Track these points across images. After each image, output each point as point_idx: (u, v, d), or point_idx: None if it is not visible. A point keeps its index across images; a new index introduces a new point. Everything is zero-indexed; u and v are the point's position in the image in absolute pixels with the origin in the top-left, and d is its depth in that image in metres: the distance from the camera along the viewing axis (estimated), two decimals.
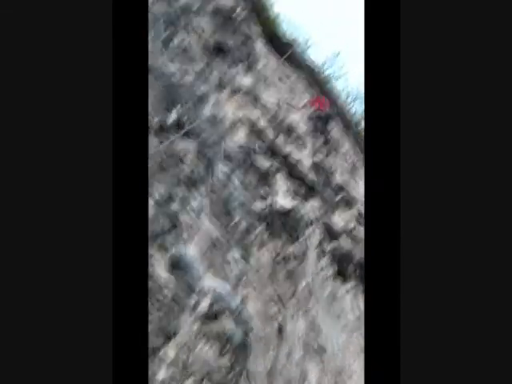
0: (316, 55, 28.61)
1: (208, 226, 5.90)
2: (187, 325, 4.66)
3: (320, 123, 12.42)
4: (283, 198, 8.35)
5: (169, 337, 4.42)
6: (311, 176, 9.88)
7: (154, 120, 6.11)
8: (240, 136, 8.44)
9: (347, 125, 16.11)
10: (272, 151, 9.09)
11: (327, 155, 11.76)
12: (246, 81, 10.27)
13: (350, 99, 28.89)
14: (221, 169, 7.07)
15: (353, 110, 26.42)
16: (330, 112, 12.97)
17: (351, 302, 9.10)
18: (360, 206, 11.39)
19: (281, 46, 15.76)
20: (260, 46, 12.98)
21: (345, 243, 9.58)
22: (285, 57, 15.06)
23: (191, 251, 5.29)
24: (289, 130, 10.53)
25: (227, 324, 5.10)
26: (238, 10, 12.60)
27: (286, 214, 8.01)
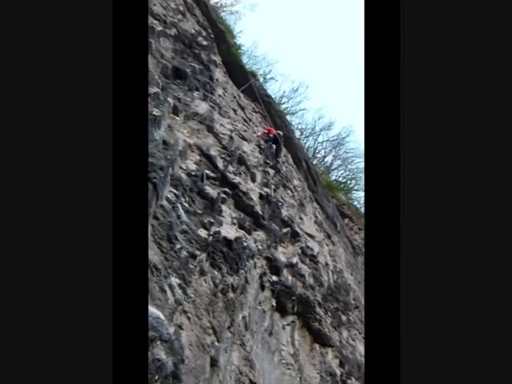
0: (274, 89, 29.12)
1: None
2: None
3: (270, 148, 13.03)
4: (228, 228, 8.34)
5: None
6: (258, 208, 9.92)
7: None
8: (190, 162, 8.43)
9: (298, 161, 16.35)
10: (221, 180, 9.10)
11: (276, 189, 11.87)
12: (201, 108, 10.32)
13: (303, 136, 29.49)
14: (167, 194, 7.02)
15: (305, 147, 26.92)
16: (278, 137, 13.65)
17: (287, 338, 9.09)
18: (304, 242, 11.49)
19: (240, 76, 15.95)
20: (219, 75, 13.10)
21: (286, 278, 9.61)
22: (243, 88, 15.25)
23: None
24: (240, 161, 10.59)
25: (158, 353, 5.00)
26: (200, 37, 12.72)
27: (229, 244, 7.98)
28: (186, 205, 7.44)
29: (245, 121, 13.60)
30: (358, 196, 29.62)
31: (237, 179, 9.71)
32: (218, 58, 14.14)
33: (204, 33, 13.72)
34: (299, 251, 11.00)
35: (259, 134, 13.69)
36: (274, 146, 13.40)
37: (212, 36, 14.49)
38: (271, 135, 13.55)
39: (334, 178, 28.93)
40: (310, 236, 12.36)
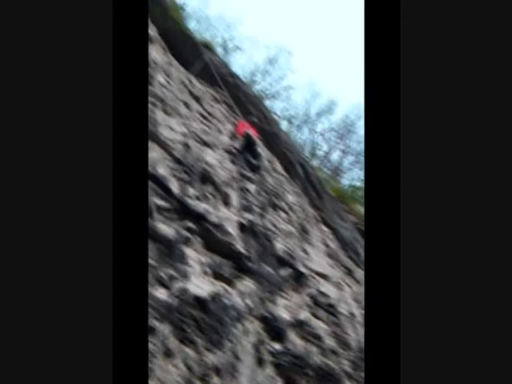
0: (241, 63, 29.13)
1: None
2: None
3: (249, 153, 12.95)
4: (198, 281, 8.33)
5: None
6: (239, 245, 9.94)
7: None
8: None
9: (290, 166, 16.33)
10: (179, 211, 9.09)
11: (262, 212, 11.90)
12: None
13: (293, 126, 29.36)
14: None
15: (299, 141, 26.87)
16: (249, 138, 13.56)
17: None
18: (314, 286, 11.52)
19: (188, 51, 15.93)
20: (156, 55, 13.16)
21: (293, 344, 9.62)
22: (194, 68, 15.29)
23: None
24: (204, 178, 10.59)
25: None
26: None
27: (203, 305, 7.97)
28: None
29: (203, 117, 13.65)
30: None
31: (202, 206, 9.73)
32: (151, 30, 14.16)
33: None
34: (309, 301, 11.04)
35: (239, 133, 13.71)
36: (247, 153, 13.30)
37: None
38: (240, 136, 13.48)
39: (346, 182, 29.00)
40: (322, 276, 12.43)
